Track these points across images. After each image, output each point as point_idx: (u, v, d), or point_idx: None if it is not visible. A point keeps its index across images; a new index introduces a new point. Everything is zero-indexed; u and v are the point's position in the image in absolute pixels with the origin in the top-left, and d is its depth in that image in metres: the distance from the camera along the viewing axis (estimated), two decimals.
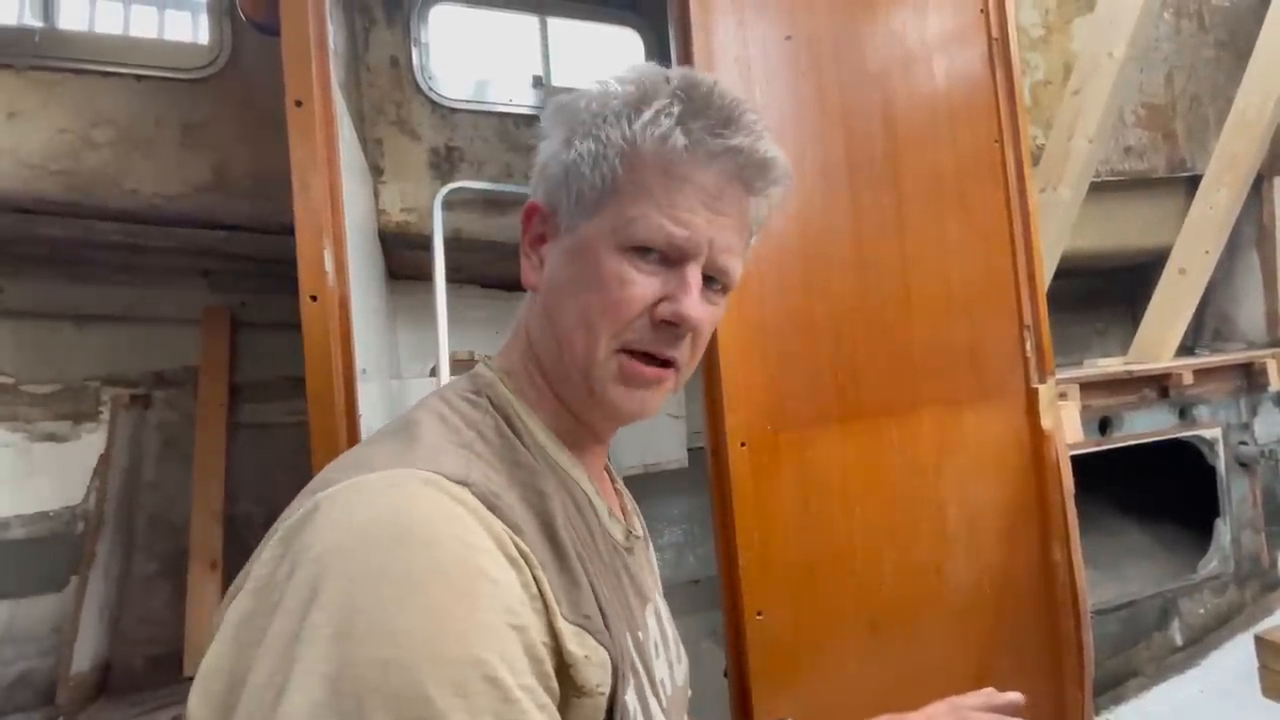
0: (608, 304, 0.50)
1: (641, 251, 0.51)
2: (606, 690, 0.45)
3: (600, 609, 0.47)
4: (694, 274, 0.52)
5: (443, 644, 0.36)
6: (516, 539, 0.42)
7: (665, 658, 0.62)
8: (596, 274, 0.51)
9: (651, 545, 0.72)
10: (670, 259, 0.51)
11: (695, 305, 0.51)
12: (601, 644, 0.45)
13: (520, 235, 0.57)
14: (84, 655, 1.90)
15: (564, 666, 0.43)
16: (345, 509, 0.40)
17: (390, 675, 0.34)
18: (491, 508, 0.42)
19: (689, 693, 0.70)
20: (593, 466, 0.60)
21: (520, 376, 0.57)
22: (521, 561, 0.42)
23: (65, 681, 1.86)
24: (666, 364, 0.53)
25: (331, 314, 1.02)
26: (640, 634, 0.56)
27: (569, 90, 0.57)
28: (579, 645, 0.43)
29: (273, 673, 0.35)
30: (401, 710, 0.34)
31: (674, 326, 0.52)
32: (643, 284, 0.51)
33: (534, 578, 0.42)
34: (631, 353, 0.52)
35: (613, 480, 0.69)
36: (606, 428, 0.60)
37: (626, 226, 0.50)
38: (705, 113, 0.51)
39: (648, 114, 0.50)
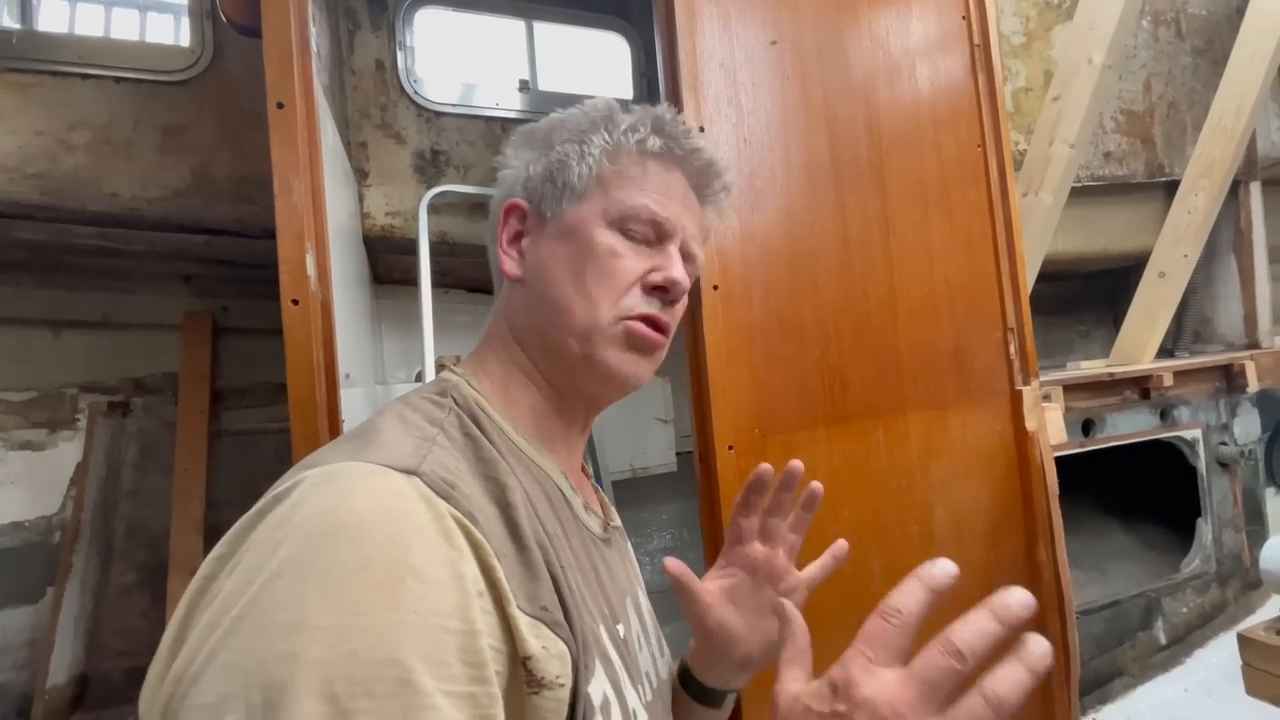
0: (603, 273, 0.56)
1: (628, 230, 0.57)
2: (568, 683, 0.44)
3: (562, 602, 0.46)
4: (674, 249, 0.59)
5: (356, 641, 0.34)
6: (469, 527, 0.41)
7: (648, 650, 0.62)
8: (590, 248, 0.56)
9: (628, 539, 0.72)
10: (651, 239, 0.58)
11: (681, 270, 0.58)
12: (559, 637, 0.44)
13: (495, 234, 0.61)
14: (60, 668, 1.86)
15: (524, 658, 0.41)
16: (286, 506, 0.39)
17: (299, 671, 0.33)
18: (444, 495, 0.41)
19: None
20: (569, 461, 0.61)
21: (493, 375, 0.59)
22: (471, 553, 0.40)
23: (41, 695, 1.82)
24: (663, 331, 0.59)
25: (314, 318, 1.00)
26: (620, 625, 0.56)
27: (545, 113, 0.64)
28: (535, 636, 0.42)
29: (190, 662, 0.35)
30: (305, 707, 0.33)
31: (664, 291, 0.58)
32: (631, 257, 0.57)
33: (487, 566, 0.41)
34: (636, 319, 0.57)
35: (587, 476, 0.69)
36: (591, 406, 0.62)
37: (616, 205, 0.57)
38: (669, 127, 0.60)
39: (625, 123, 0.59)
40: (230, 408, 2.26)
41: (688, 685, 0.70)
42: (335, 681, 0.33)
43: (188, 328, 2.22)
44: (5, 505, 2.01)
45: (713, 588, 0.67)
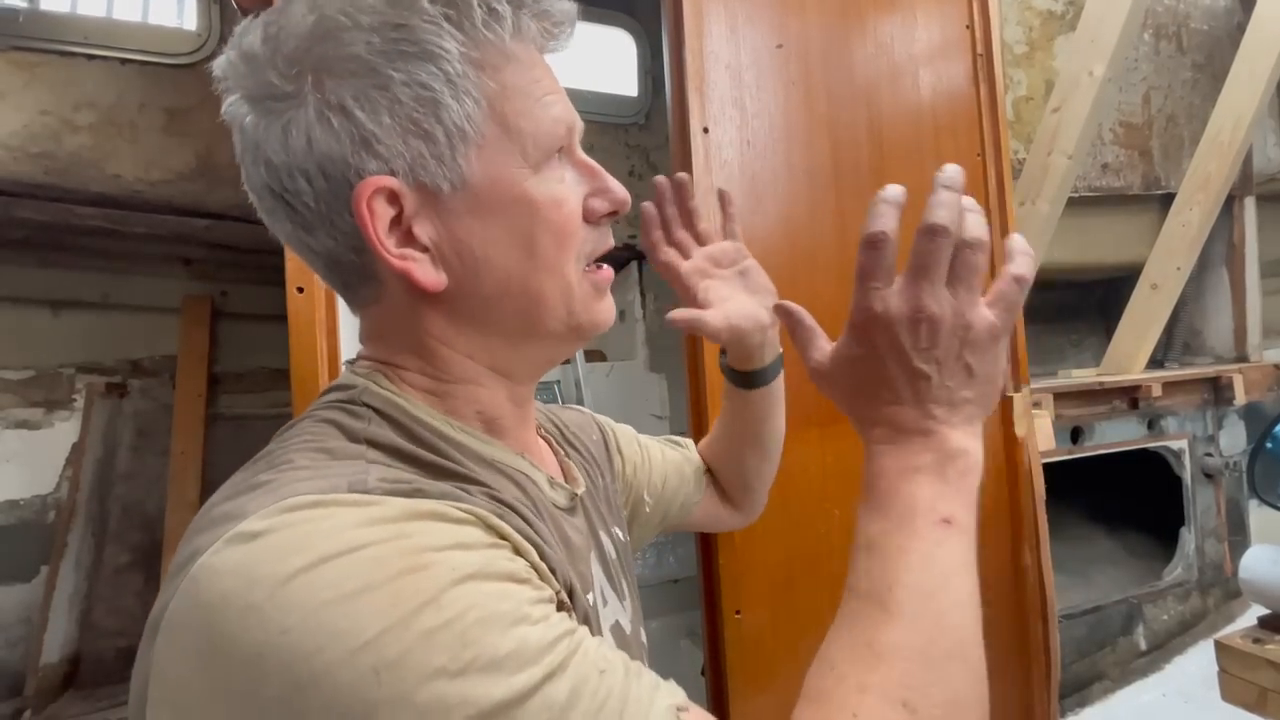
0: (555, 231, 0.44)
1: (550, 161, 0.44)
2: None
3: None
4: (584, 155, 0.48)
5: (420, 621, 0.29)
6: (485, 516, 0.36)
7: (614, 601, 0.56)
8: (531, 210, 0.43)
9: (606, 474, 0.66)
10: (563, 149, 0.46)
11: (619, 184, 0.48)
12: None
13: (357, 233, 0.41)
14: (53, 646, 1.88)
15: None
16: (199, 601, 0.32)
17: (385, 676, 0.28)
18: (411, 495, 0.35)
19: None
20: (524, 433, 0.52)
21: (422, 387, 0.46)
22: (497, 535, 0.36)
23: (34, 673, 1.83)
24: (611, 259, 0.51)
25: (318, 306, 1.02)
26: (590, 595, 0.51)
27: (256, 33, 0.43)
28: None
29: None
30: (423, 694, 0.28)
31: (613, 215, 0.48)
32: (570, 193, 0.45)
33: (518, 548, 0.37)
34: (596, 264, 0.49)
35: (541, 433, 0.60)
36: (550, 366, 0.54)
37: (531, 140, 0.43)
38: None
39: (478, 8, 0.40)
40: (227, 392, 2.27)
41: (733, 379, 0.76)
42: (433, 658, 0.29)
43: (187, 311, 2.22)
44: (0, 483, 2.01)
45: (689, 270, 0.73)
